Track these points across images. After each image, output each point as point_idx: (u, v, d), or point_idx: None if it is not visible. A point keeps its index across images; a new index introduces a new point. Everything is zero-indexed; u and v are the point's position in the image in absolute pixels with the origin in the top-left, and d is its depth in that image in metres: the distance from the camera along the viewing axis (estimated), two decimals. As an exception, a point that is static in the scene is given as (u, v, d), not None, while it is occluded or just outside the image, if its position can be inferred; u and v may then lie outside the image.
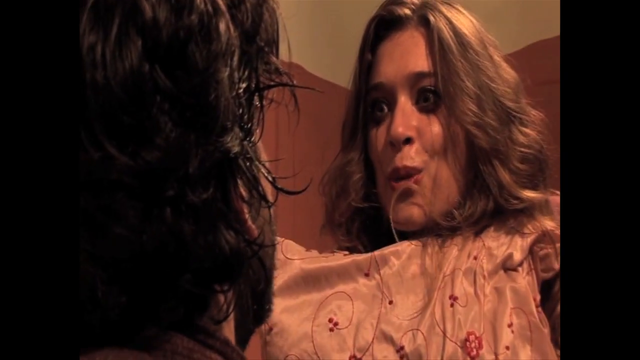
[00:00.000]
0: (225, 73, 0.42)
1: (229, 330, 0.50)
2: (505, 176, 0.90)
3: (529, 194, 0.90)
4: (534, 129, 0.93)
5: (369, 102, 0.96)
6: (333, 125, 1.06)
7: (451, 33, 0.92)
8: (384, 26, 0.97)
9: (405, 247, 0.90)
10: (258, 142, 0.49)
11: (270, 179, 0.49)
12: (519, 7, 1.90)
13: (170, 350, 0.43)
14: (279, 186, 0.50)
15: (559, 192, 0.97)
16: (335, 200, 0.97)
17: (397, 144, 0.91)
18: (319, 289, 0.89)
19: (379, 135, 0.95)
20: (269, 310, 0.56)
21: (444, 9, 0.94)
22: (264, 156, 0.51)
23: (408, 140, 0.91)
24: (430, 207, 0.91)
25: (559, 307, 0.87)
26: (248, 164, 0.45)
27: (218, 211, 0.43)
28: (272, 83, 0.48)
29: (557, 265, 0.88)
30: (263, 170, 0.48)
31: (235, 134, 0.43)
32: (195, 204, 0.41)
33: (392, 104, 0.94)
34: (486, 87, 0.91)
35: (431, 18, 0.93)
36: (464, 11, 0.96)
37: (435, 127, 0.91)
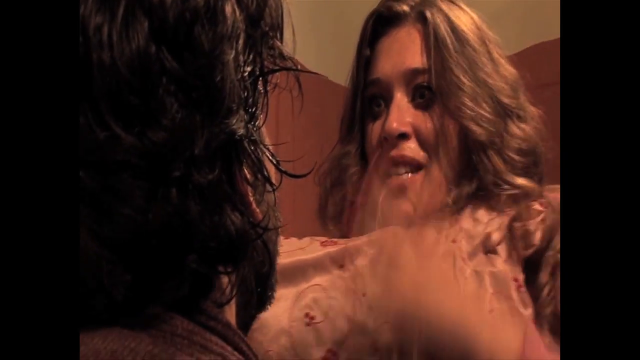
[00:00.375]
0: (231, 55, 0.43)
1: (230, 314, 0.50)
2: (498, 163, 0.90)
3: (521, 180, 0.90)
4: (531, 124, 0.93)
5: (366, 97, 0.97)
6: (332, 124, 1.06)
7: (448, 29, 0.92)
8: (382, 22, 0.97)
9: (381, 236, 0.89)
10: (262, 126, 0.49)
11: (274, 162, 0.50)
12: (520, 9, 1.90)
13: (169, 331, 0.43)
14: (283, 169, 0.50)
15: (557, 187, 0.98)
16: (330, 191, 0.98)
17: (391, 138, 0.91)
18: (295, 283, 0.88)
19: (375, 130, 0.95)
20: (272, 296, 0.56)
21: (443, 5, 0.95)
22: (267, 141, 0.51)
23: (403, 136, 0.91)
24: (421, 205, 0.91)
25: (547, 285, 0.86)
26: (253, 147, 0.46)
27: (224, 192, 0.44)
28: (276, 67, 0.48)
29: (537, 241, 0.87)
30: (267, 153, 0.48)
31: (240, 116, 0.44)
32: (201, 185, 0.42)
33: (388, 99, 0.94)
34: (483, 83, 0.91)
35: (428, 14, 0.93)
36: (465, 7, 0.96)
37: (430, 124, 0.91)
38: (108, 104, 0.39)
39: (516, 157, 0.91)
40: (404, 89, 0.93)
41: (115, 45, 0.39)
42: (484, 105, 0.90)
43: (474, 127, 0.89)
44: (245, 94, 0.45)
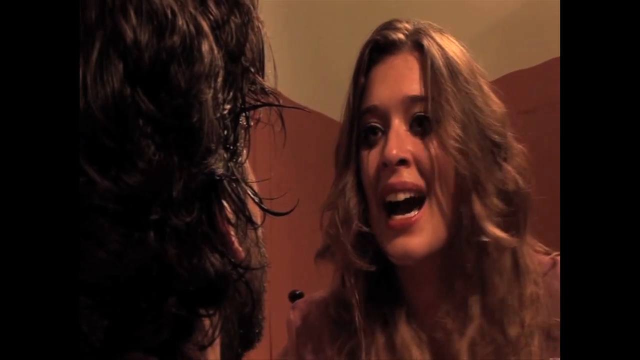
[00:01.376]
0: (209, 94, 0.42)
1: (214, 356, 0.48)
2: (480, 209, 0.88)
3: (495, 230, 0.89)
4: (516, 164, 0.93)
5: (362, 125, 0.95)
6: (311, 152, 1.05)
7: (443, 59, 0.91)
8: (377, 50, 0.97)
9: None
10: (245, 162, 0.48)
11: (256, 200, 0.49)
12: (497, 37, 1.92)
13: None
14: (266, 207, 0.49)
15: (546, 248, 0.98)
16: (342, 226, 0.94)
17: (391, 165, 0.89)
18: None
19: (371, 159, 0.93)
20: (259, 334, 0.55)
21: (436, 35, 0.94)
22: (251, 177, 0.50)
23: (402, 162, 0.89)
24: (429, 238, 0.90)
25: None
26: (234, 185, 0.45)
27: (203, 234, 0.43)
28: (258, 103, 0.47)
29: None
30: (249, 191, 0.48)
31: (219, 155, 0.43)
32: (179, 228, 0.41)
33: (386, 127, 0.93)
34: (472, 116, 0.90)
35: (425, 43, 0.93)
36: (454, 40, 0.96)
37: (430, 151, 0.90)
38: (83, 148, 0.38)
39: (498, 203, 0.90)
40: (402, 116, 0.92)
41: (89, 88, 0.38)
42: (473, 140, 0.89)
43: (461, 160, 0.88)
44: (225, 132, 0.44)
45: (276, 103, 0.49)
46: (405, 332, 0.94)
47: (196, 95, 0.41)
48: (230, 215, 0.45)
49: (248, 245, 0.49)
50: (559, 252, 0.97)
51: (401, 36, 0.95)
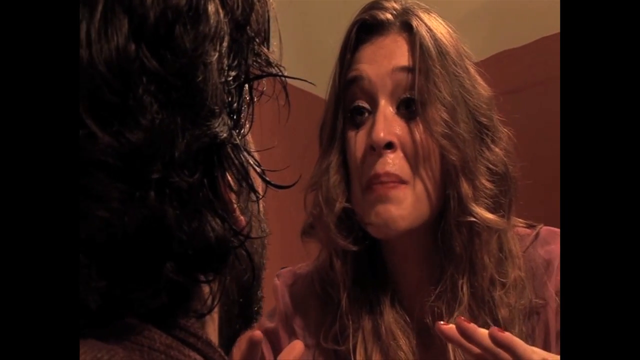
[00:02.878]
0: (214, 57, 0.42)
1: (213, 329, 0.49)
2: (467, 190, 0.88)
3: (483, 212, 0.88)
4: (502, 147, 0.92)
5: (348, 104, 0.93)
6: (302, 132, 1.04)
7: (432, 41, 0.90)
8: (365, 30, 0.95)
9: None
10: (247, 134, 0.48)
11: (259, 170, 0.49)
12: (487, 16, 1.91)
13: (146, 345, 0.42)
14: (268, 179, 0.49)
15: (525, 223, 0.99)
16: (326, 205, 0.93)
17: (378, 148, 0.88)
18: None
19: (359, 140, 0.91)
20: (258, 312, 0.54)
21: (424, 16, 0.93)
22: (253, 150, 0.50)
23: (390, 145, 0.88)
24: (409, 210, 0.89)
25: None
26: (237, 152, 0.45)
27: (204, 197, 0.43)
28: (262, 74, 0.47)
29: None
30: (252, 161, 0.47)
31: (223, 120, 0.43)
32: (180, 188, 0.41)
33: (373, 108, 0.91)
34: (461, 99, 0.89)
35: (414, 24, 0.91)
36: (441, 20, 0.94)
37: (416, 135, 0.89)
38: (85, 102, 0.38)
39: (487, 184, 0.89)
40: (389, 97, 0.90)
41: (93, 43, 0.38)
42: (462, 124, 0.88)
43: (448, 146, 0.87)
44: (230, 99, 0.44)
45: (280, 74, 0.49)
46: (390, 317, 0.93)
47: (201, 55, 0.41)
48: (233, 183, 0.45)
49: (249, 216, 0.49)
50: (542, 225, 0.98)
51: (389, 16, 0.93)
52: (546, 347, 0.89)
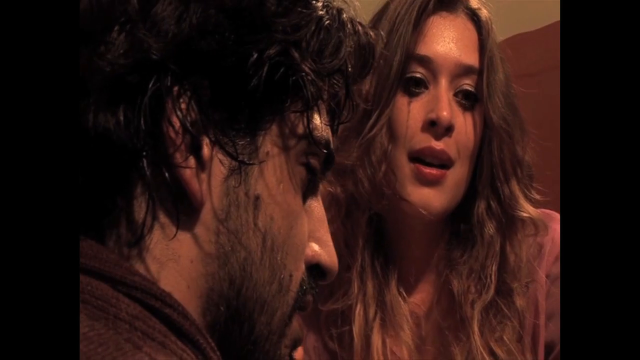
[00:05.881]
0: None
1: (193, 306, 0.47)
2: (515, 187, 0.92)
3: (529, 208, 0.92)
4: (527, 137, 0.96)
5: (406, 71, 0.92)
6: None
7: (494, 37, 0.93)
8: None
9: None
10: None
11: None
12: (502, 0, 1.89)
13: (113, 314, 0.42)
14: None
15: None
16: (377, 164, 0.92)
17: (441, 126, 0.89)
18: None
19: (413, 110, 0.91)
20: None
21: (483, 7, 0.96)
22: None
23: (450, 128, 0.90)
24: (449, 199, 0.92)
25: None
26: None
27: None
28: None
29: None
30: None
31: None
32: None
33: (432, 84, 0.92)
34: (512, 95, 0.93)
35: (482, 17, 0.93)
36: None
37: (470, 126, 0.92)
38: None
39: (526, 181, 0.93)
40: (450, 80, 0.92)
41: None
42: (515, 120, 0.92)
43: (508, 142, 0.91)
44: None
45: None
46: (394, 290, 0.95)
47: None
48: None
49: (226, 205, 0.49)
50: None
51: None
52: (535, 326, 0.92)
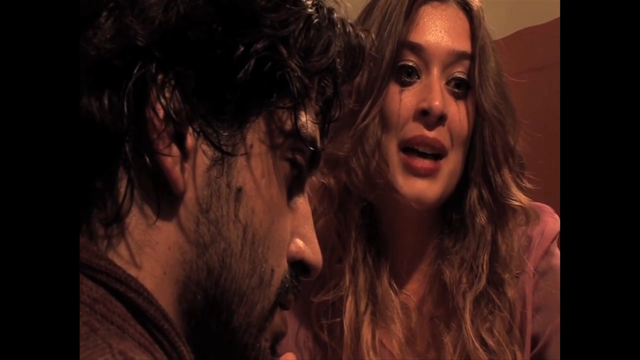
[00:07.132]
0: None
1: (164, 296, 0.48)
2: (507, 175, 0.92)
3: (521, 196, 0.92)
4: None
5: (398, 59, 0.92)
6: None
7: (485, 25, 0.92)
8: None
9: None
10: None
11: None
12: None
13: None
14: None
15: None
16: (371, 154, 0.92)
17: (434, 116, 0.89)
18: None
19: (405, 99, 0.91)
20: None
21: None
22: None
23: (442, 118, 0.90)
24: (442, 190, 0.91)
25: None
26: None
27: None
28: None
29: None
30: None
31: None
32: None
33: (423, 73, 0.92)
34: (503, 84, 0.93)
35: (473, 6, 0.93)
36: None
37: (462, 114, 0.92)
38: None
39: (518, 170, 0.93)
40: (442, 69, 0.92)
41: None
42: (507, 109, 0.92)
43: (499, 131, 0.91)
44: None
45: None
46: (385, 280, 0.95)
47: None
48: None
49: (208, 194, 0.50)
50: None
51: None
52: (522, 317, 0.93)
